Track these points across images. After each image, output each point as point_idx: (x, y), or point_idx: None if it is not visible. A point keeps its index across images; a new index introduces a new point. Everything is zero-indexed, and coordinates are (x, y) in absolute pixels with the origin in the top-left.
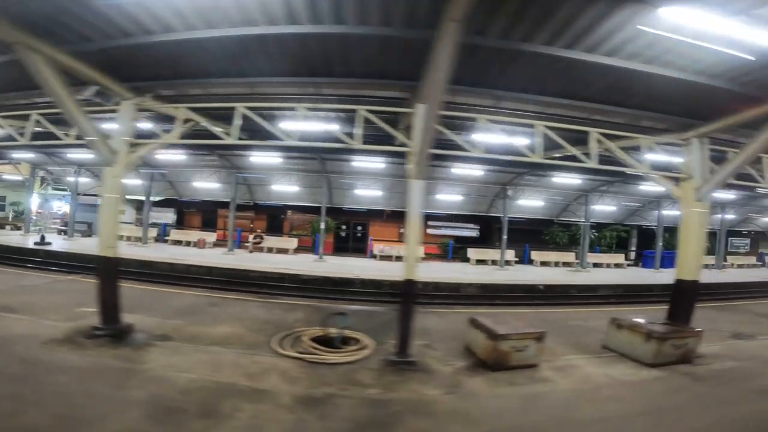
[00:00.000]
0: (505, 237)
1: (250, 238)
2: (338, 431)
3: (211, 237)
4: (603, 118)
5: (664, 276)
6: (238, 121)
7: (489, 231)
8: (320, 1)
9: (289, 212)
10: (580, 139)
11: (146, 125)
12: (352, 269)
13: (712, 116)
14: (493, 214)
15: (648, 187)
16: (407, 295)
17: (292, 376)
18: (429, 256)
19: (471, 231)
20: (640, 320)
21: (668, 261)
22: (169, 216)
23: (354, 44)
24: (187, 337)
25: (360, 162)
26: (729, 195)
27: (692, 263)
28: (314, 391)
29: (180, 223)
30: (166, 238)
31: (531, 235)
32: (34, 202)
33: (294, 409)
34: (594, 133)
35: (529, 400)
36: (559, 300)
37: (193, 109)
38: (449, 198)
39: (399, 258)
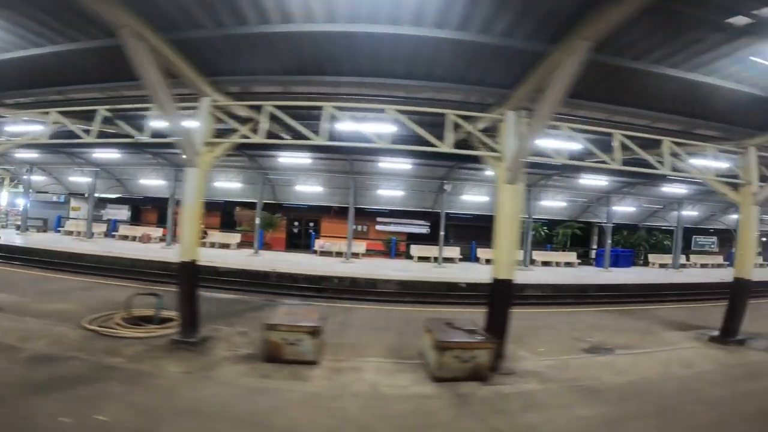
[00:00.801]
0: (442, 233)
1: None
2: (39, 379)
3: (156, 232)
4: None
5: (608, 276)
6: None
7: (460, 229)
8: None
9: (237, 209)
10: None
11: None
12: (280, 263)
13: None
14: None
15: (595, 182)
16: (187, 279)
17: (66, 344)
18: (371, 253)
19: (421, 228)
20: (446, 323)
21: (624, 260)
22: (123, 213)
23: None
24: (18, 310)
25: (291, 159)
26: (682, 190)
27: (506, 260)
28: (59, 353)
29: (137, 220)
30: (114, 233)
31: (482, 232)
32: (2, 198)
33: (24, 362)
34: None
35: (252, 395)
36: (479, 299)
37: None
38: (390, 193)
39: (339, 253)
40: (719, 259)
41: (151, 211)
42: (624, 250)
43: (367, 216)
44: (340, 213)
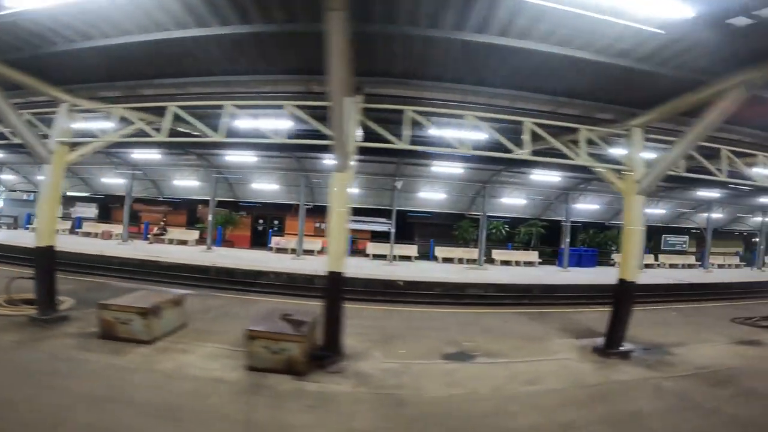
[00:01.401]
0: (392, 230)
1: (155, 230)
2: None
3: (118, 229)
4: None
5: (562, 276)
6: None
7: (405, 226)
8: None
9: (200, 207)
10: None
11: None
12: (226, 259)
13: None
14: (402, 208)
15: (547, 178)
16: (42, 263)
17: None
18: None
19: (384, 226)
20: (284, 314)
21: (587, 259)
22: (91, 211)
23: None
24: None
25: (238, 157)
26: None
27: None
28: None
29: (107, 218)
30: (77, 230)
31: (441, 230)
32: None
33: None
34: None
35: (56, 361)
36: (414, 298)
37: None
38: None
39: (293, 250)
40: (691, 259)
41: (119, 209)
42: (588, 250)
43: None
44: (307, 211)
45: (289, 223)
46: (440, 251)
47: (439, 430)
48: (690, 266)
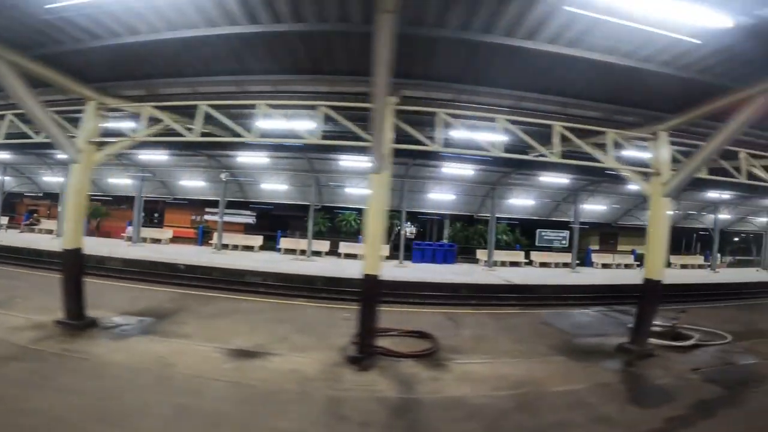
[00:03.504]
0: (221, 221)
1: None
2: None
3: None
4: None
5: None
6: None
7: (266, 218)
8: None
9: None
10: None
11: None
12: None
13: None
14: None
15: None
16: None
17: None
18: (178, 240)
19: (248, 218)
20: None
21: (440, 255)
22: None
23: None
24: None
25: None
26: (564, 180)
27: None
28: None
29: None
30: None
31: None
32: None
33: None
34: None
35: None
36: (173, 279)
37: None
38: (191, 184)
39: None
40: (568, 258)
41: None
42: (443, 244)
43: (199, 206)
44: (185, 204)
45: (168, 216)
46: (284, 242)
47: None
48: (565, 265)
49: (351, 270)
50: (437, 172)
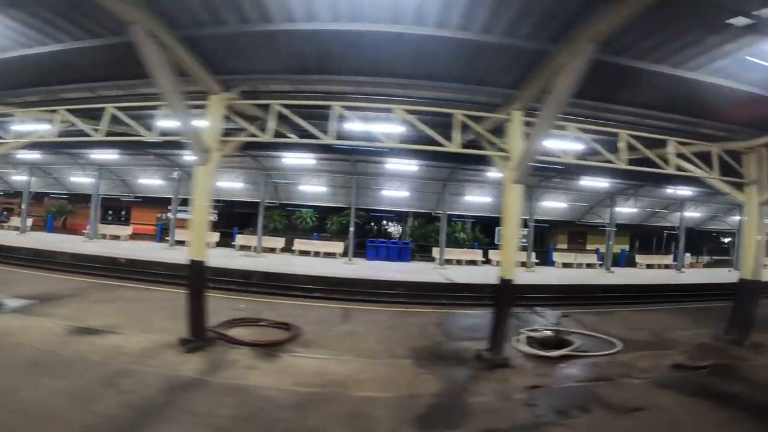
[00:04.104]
0: (173, 217)
1: None
2: None
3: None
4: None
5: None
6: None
7: (226, 216)
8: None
9: (45, 198)
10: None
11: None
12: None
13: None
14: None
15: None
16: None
17: None
18: (141, 237)
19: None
20: None
21: (394, 252)
22: None
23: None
24: None
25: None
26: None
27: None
28: None
29: None
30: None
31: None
32: None
33: None
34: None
35: None
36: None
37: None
38: (148, 182)
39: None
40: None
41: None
42: (397, 242)
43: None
44: (150, 202)
45: (135, 214)
46: (241, 239)
47: None
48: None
49: (276, 265)
50: (383, 168)
